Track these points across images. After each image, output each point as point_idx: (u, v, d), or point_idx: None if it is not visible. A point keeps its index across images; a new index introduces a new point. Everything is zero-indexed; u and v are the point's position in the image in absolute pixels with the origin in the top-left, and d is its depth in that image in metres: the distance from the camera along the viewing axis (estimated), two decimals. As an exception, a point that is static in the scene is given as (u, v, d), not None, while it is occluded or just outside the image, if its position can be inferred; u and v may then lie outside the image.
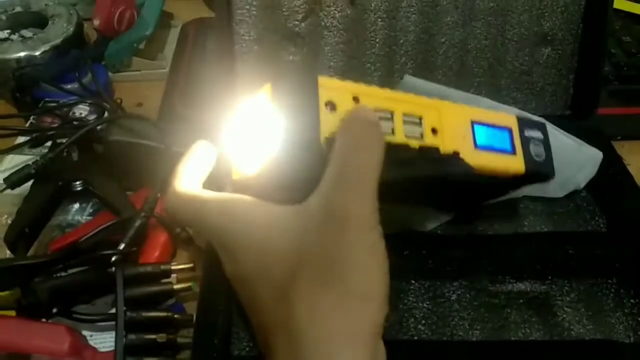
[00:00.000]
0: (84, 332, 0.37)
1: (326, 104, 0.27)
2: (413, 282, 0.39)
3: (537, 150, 0.35)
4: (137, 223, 0.38)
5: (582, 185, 0.43)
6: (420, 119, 0.30)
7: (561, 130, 0.42)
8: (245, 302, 0.28)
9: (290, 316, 0.24)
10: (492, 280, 0.39)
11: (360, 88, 0.29)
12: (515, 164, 0.34)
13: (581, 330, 0.37)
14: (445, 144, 0.31)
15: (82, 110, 0.50)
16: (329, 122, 0.27)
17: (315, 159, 0.26)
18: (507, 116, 0.34)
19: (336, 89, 0.28)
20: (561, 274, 0.39)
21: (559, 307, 0.38)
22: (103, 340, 0.37)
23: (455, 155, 0.31)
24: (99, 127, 0.45)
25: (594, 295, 0.39)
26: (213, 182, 0.32)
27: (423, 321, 0.37)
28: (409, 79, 0.45)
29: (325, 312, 0.24)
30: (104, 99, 0.51)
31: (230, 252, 0.27)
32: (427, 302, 0.38)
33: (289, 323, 0.24)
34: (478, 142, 0.32)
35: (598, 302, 0.38)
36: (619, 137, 0.53)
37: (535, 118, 0.37)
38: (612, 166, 0.44)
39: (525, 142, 0.34)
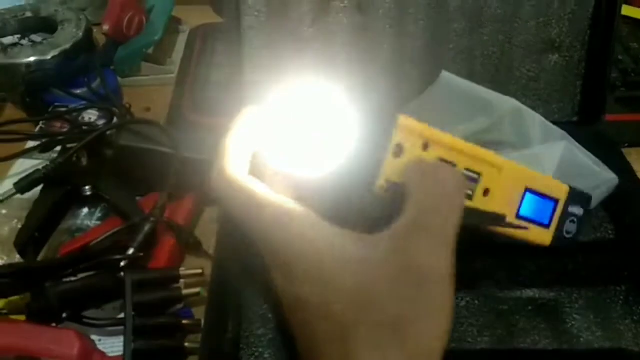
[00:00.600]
0: (93, 337, 0.38)
1: (395, 147, 0.26)
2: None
3: (570, 227, 0.34)
4: (146, 228, 0.38)
5: (594, 206, 0.43)
6: (479, 176, 0.29)
7: (582, 149, 0.41)
8: (295, 328, 0.25)
9: (346, 355, 0.22)
10: (500, 287, 0.39)
11: (432, 133, 0.27)
12: (543, 237, 0.33)
13: (590, 338, 0.37)
14: (492, 208, 0.30)
15: (91, 115, 0.51)
16: (391, 167, 0.26)
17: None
18: (561, 186, 0.33)
19: (409, 132, 0.26)
20: (570, 282, 0.39)
21: (568, 314, 0.38)
22: (112, 345, 0.37)
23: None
24: (108, 132, 0.45)
25: (603, 303, 0.39)
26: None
27: (431, 328, 0.37)
28: (446, 76, 0.43)
29: None
30: (113, 104, 0.51)
31: (287, 271, 0.24)
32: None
33: None
34: (521, 212, 0.31)
35: (607, 310, 0.38)
36: (626, 144, 0.53)
37: (584, 191, 0.35)
38: (620, 173, 0.44)
39: (564, 217, 0.33)
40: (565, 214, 0.33)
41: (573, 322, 0.38)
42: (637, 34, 0.64)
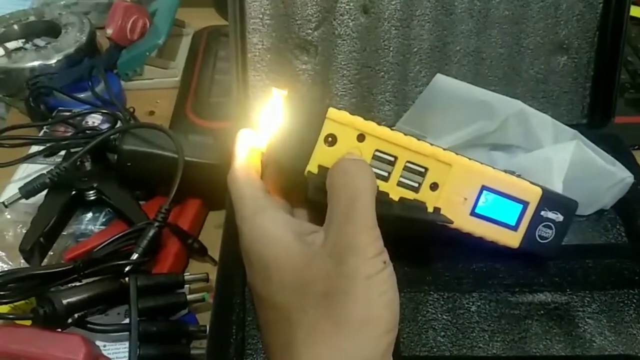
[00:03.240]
0: (98, 342, 0.37)
1: (327, 137, 0.28)
2: (432, 293, 0.38)
3: (545, 232, 0.34)
4: (150, 233, 0.38)
5: (609, 205, 0.42)
6: (425, 170, 0.30)
7: (595, 148, 0.41)
8: (258, 320, 0.29)
9: (290, 340, 0.25)
10: (512, 292, 0.38)
11: (365, 126, 0.29)
12: (510, 238, 0.33)
13: (603, 342, 0.36)
14: (439, 202, 0.31)
15: (95, 120, 0.51)
16: (323, 154, 0.28)
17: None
18: (533, 188, 0.33)
19: (340, 124, 0.28)
20: (582, 285, 0.38)
21: (581, 318, 0.37)
22: (117, 351, 0.37)
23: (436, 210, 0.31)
24: (112, 137, 0.44)
25: (616, 307, 0.38)
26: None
27: (442, 333, 0.37)
28: (441, 79, 0.43)
29: (323, 340, 0.24)
30: (117, 108, 0.51)
31: (248, 263, 0.28)
32: (447, 314, 0.38)
33: (290, 347, 0.25)
34: (477, 210, 0.31)
35: (620, 314, 0.38)
36: (637, 147, 0.52)
37: (566, 198, 0.35)
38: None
39: (536, 221, 0.33)
40: (538, 218, 0.33)
41: (586, 327, 0.37)
42: (645, 35, 0.64)
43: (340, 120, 0.28)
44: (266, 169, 0.30)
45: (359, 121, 0.29)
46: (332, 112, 0.28)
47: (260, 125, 0.31)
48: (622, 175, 0.40)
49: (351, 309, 0.25)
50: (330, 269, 0.25)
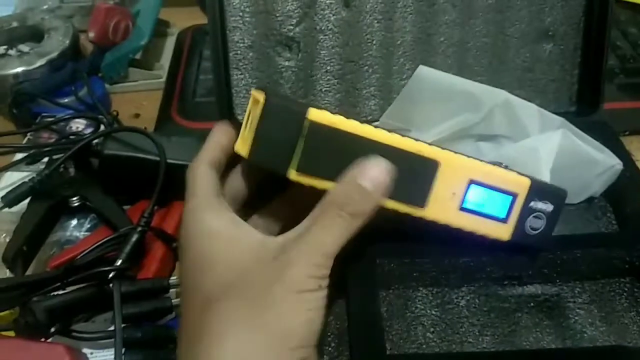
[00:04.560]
0: (85, 350, 0.37)
1: None
2: (420, 289, 0.38)
3: (535, 223, 0.33)
4: (134, 238, 0.37)
5: (599, 193, 0.41)
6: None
7: (582, 135, 0.40)
8: (181, 302, 0.30)
9: (205, 334, 0.25)
10: (501, 285, 0.38)
11: (352, 126, 0.28)
12: (500, 231, 0.32)
13: (594, 333, 0.36)
14: (430, 198, 0.30)
15: (78, 125, 0.50)
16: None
17: None
18: (521, 179, 0.32)
19: (324, 124, 0.27)
20: (572, 276, 0.38)
21: (571, 309, 0.37)
22: (104, 357, 0.37)
23: None
24: (94, 142, 0.44)
25: (607, 296, 0.38)
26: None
27: (432, 329, 0.36)
28: (424, 71, 0.42)
29: (237, 339, 0.25)
30: (100, 112, 0.50)
31: (184, 249, 0.28)
32: (436, 309, 0.37)
33: (202, 340, 0.25)
34: (465, 204, 0.31)
35: (611, 303, 0.37)
36: (627, 132, 0.51)
37: (555, 187, 0.35)
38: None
39: (526, 212, 0.32)
40: (527, 209, 0.32)
41: (576, 317, 0.37)
42: (635, 18, 0.63)
43: (321, 121, 0.27)
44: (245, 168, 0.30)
45: (340, 121, 0.28)
46: (312, 112, 0.27)
47: (242, 126, 0.30)
48: (611, 162, 0.40)
49: (273, 316, 0.25)
50: (270, 272, 0.26)
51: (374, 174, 0.27)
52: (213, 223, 0.28)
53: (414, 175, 0.30)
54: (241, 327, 0.25)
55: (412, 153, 0.29)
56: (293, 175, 0.28)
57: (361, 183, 0.27)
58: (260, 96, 0.28)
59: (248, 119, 0.30)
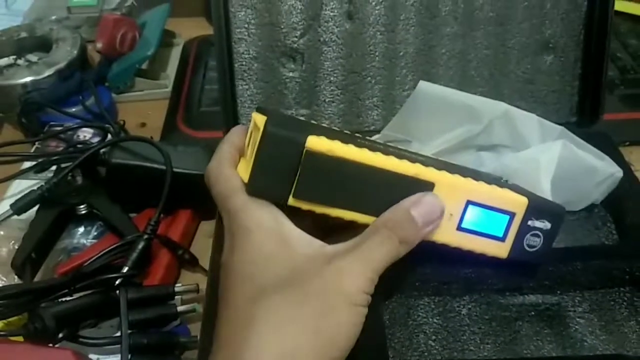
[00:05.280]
0: (92, 356, 0.37)
1: None
2: (422, 297, 0.38)
3: (532, 241, 0.33)
4: (140, 245, 0.38)
5: (600, 200, 0.42)
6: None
7: (582, 144, 0.40)
8: (221, 291, 0.29)
9: (255, 321, 0.26)
10: (502, 294, 0.38)
11: (349, 153, 0.28)
12: (498, 249, 0.33)
13: (594, 341, 0.36)
14: None
15: (86, 134, 0.51)
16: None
17: None
18: (519, 199, 0.32)
19: (322, 152, 0.27)
20: (572, 285, 0.38)
21: (571, 318, 0.37)
22: (110, 363, 0.37)
23: None
24: (102, 151, 0.45)
25: (607, 306, 0.38)
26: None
27: (433, 337, 0.37)
28: (424, 86, 0.42)
29: (285, 337, 0.25)
30: (107, 121, 0.51)
31: (237, 241, 0.28)
32: (437, 317, 0.38)
33: (251, 327, 0.25)
34: (463, 225, 0.31)
35: (611, 312, 0.37)
36: (627, 143, 0.52)
37: (553, 204, 0.35)
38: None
39: (523, 231, 0.32)
40: (525, 228, 0.32)
41: (577, 326, 0.37)
42: (635, 30, 0.64)
43: (319, 149, 0.27)
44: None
45: (337, 147, 0.28)
46: (310, 141, 0.27)
47: (245, 145, 0.31)
48: (611, 170, 0.40)
49: (326, 323, 0.25)
50: (326, 277, 0.26)
51: (426, 208, 0.29)
52: (264, 218, 0.28)
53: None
54: (292, 324, 0.25)
55: (408, 176, 0.30)
56: (291, 201, 0.28)
57: (413, 214, 0.28)
58: (261, 122, 0.28)
59: (249, 140, 0.30)
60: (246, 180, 0.28)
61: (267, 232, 0.27)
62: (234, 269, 0.28)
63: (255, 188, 0.28)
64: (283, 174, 0.28)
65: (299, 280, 0.26)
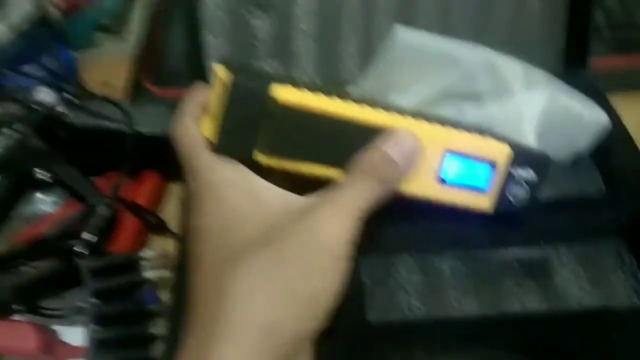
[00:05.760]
0: (57, 327, 0.36)
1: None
2: (402, 255, 0.37)
3: (517, 191, 0.31)
4: (103, 211, 0.36)
5: (587, 151, 0.40)
6: None
7: (569, 91, 0.39)
8: (191, 257, 0.28)
9: (230, 289, 0.24)
10: (485, 249, 0.37)
11: (319, 102, 0.26)
12: (481, 202, 0.31)
13: (580, 295, 0.35)
14: None
15: (44, 94, 0.47)
16: None
17: None
18: (500, 147, 0.30)
19: (289, 101, 0.25)
20: (558, 238, 0.37)
21: (557, 271, 0.36)
22: (77, 334, 0.35)
23: None
24: (60, 112, 0.42)
25: (593, 257, 0.37)
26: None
27: (415, 295, 0.35)
28: (400, 31, 0.39)
29: (263, 302, 0.23)
30: (67, 81, 0.48)
31: (205, 202, 0.26)
32: (419, 275, 0.36)
33: (224, 296, 0.24)
34: (442, 176, 0.29)
35: (597, 264, 0.36)
36: (615, 89, 0.50)
37: (538, 152, 0.33)
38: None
39: (507, 181, 0.31)
40: (509, 178, 0.31)
41: (562, 280, 0.36)
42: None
43: (286, 99, 0.26)
44: None
45: (306, 97, 0.26)
46: (275, 90, 0.25)
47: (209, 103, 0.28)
48: (599, 118, 0.39)
49: (306, 281, 0.23)
50: (302, 231, 0.24)
51: (401, 144, 0.27)
52: (231, 176, 0.26)
53: None
54: (269, 289, 0.23)
55: (382, 126, 0.28)
56: (261, 158, 0.26)
57: (389, 151, 0.26)
58: (223, 74, 0.26)
59: (213, 95, 0.28)
60: (211, 138, 0.26)
61: (236, 190, 0.25)
62: (203, 232, 0.26)
63: (222, 146, 0.26)
64: (250, 129, 0.26)
65: (273, 239, 0.24)
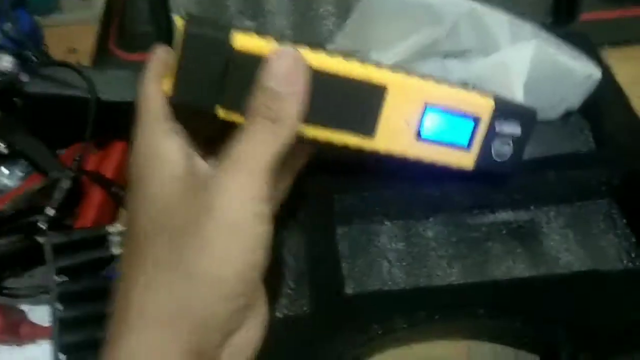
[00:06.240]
0: (23, 307, 0.34)
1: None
2: (385, 222, 0.35)
3: (501, 149, 0.29)
4: (65, 184, 0.34)
5: (577, 106, 0.38)
6: None
7: (557, 43, 0.36)
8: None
9: (134, 279, 0.22)
10: (471, 213, 0.35)
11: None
12: (463, 160, 0.29)
13: (569, 258, 0.34)
14: (382, 130, 0.26)
15: (4, 62, 0.45)
16: None
17: None
18: (484, 101, 0.28)
19: (251, 51, 0.23)
20: (547, 200, 0.35)
21: (545, 234, 0.35)
22: (45, 313, 0.34)
23: None
24: (20, 80, 0.39)
25: (583, 219, 0.35)
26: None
27: (397, 263, 0.34)
28: None
29: (167, 286, 0.21)
30: (28, 48, 0.45)
31: (132, 182, 0.24)
32: (401, 242, 0.35)
33: (132, 286, 0.22)
34: (422, 133, 0.27)
35: (587, 226, 0.35)
36: (606, 45, 0.48)
37: (524, 106, 0.31)
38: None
39: (490, 137, 0.29)
40: (492, 134, 0.29)
41: (551, 243, 0.34)
42: None
43: (248, 47, 0.23)
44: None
45: (269, 46, 0.24)
46: (236, 38, 0.23)
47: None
48: (589, 72, 0.36)
49: (203, 259, 0.21)
50: (197, 204, 0.22)
51: (278, 68, 0.23)
52: (160, 149, 0.23)
53: (360, 103, 0.26)
54: (169, 273, 0.21)
55: (355, 79, 0.25)
56: (222, 113, 0.24)
57: (267, 85, 0.23)
58: (180, 24, 0.23)
59: (175, 50, 0.26)
60: (169, 93, 0.24)
61: (157, 166, 0.23)
62: (130, 210, 0.24)
63: (179, 99, 0.24)
64: (210, 81, 0.23)
65: (171, 217, 0.22)
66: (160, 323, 0.21)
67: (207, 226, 0.21)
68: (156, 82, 0.26)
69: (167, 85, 0.25)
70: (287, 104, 0.23)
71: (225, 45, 0.23)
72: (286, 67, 0.23)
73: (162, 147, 0.23)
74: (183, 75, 0.24)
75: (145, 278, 0.22)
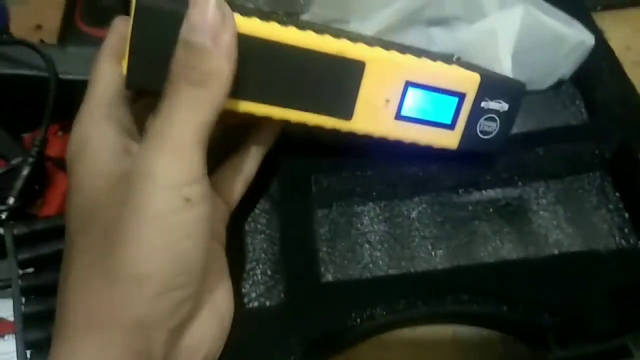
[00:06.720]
0: (-10, 302, 0.32)
1: None
2: (366, 202, 0.33)
3: (487, 126, 0.28)
4: (26, 171, 0.32)
5: (568, 75, 0.36)
6: None
7: (547, 8, 0.34)
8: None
9: (62, 282, 0.22)
10: (456, 192, 0.33)
11: (249, 25, 0.22)
12: (446, 139, 0.27)
13: (560, 237, 0.32)
14: (359, 109, 0.25)
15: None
16: None
17: None
18: (468, 76, 0.26)
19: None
20: (535, 175, 0.33)
21: (534, 212, 0.33)
22: (6, 307, 0.32)
23: None
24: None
25: (574, 194, 0.33)
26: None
27: (379, 246, 0.32)
28: None
29: (94, 289, 0.20)
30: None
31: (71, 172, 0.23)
32: (383, 224, 0.33)
33: (62, 290, 0.21)
34: (403, 112, 0.26)
35: (579, 202, 0.33)
36: (599, 7, 0.45)
37: (511, 80, 0.29)
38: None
39: (476, 115, 0.27)
40: (478, 111, 0.27)
41: (540, 221, 0.33)
42: None
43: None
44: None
45: (235, 21, 0.22)
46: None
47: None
48: (581, 37, 0.34)
49: (125, 256, 0.19)
50: (119, 195, 0.20)
51: (198, 21, 0.20)
52: (92, 140, 0.22)
53: (336, 82, 0.24)
54: (98, 276, 0.20)
55: (331, 55, 0.23)
56: None
57: (189, 39, 0.20)
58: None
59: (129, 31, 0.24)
60: (124, 72, 0.22)
61: (90, 157, 0.22)
62: (66, 205, 0.23)
63: (132, 81, 0.22)
64: (165, 61, 0.21)
65: (95, 212, 0.21)
66: (94, 329, 0.19)
67: (129, 222, 0.19)
68: (109, 61, 0.24)
69: (124, 63, 0.23)
70: (213, 60, 0.20)
71: (182, 20, 0.21)
72: (210, 17, 0.20)
73: (94, 136, 0.22)
74: (135, 55, 0.22)
75: (76, 282, 0.20)
